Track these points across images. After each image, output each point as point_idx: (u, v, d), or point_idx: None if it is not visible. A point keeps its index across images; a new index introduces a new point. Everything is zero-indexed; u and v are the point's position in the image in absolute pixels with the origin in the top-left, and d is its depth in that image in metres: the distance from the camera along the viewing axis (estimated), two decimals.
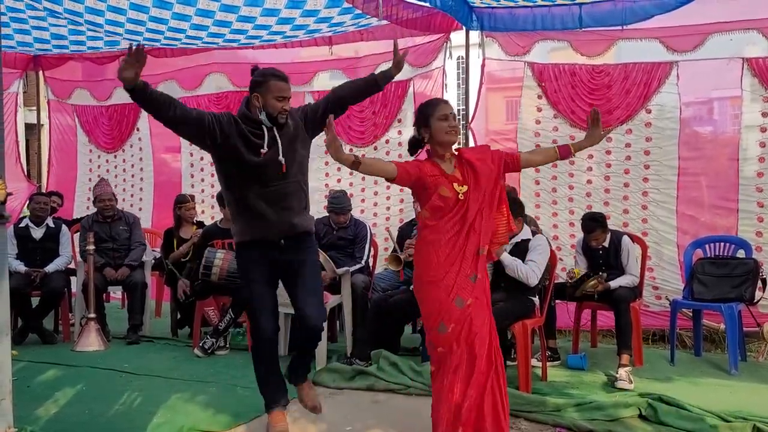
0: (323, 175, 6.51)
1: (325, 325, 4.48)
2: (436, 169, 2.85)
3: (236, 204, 3.12)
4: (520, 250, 4.14)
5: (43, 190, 6.90)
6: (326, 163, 6.48)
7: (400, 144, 6.16)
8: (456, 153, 2.90)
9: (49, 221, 5.53)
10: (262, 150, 3.00)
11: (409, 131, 6.12)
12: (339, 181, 6.33)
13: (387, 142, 6.25)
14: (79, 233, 5.57)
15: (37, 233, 5.44)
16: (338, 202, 5.10)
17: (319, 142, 6.35)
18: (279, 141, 3.03)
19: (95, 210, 5.61)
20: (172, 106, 2.96)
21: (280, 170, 3.02)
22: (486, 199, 2.85)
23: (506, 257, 4.06)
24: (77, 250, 5.65)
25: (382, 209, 6.28)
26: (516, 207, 4.21)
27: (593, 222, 4.61)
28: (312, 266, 3.19)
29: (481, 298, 2.81)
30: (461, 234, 2.81)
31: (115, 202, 5.64)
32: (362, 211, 6.15)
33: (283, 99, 3.01)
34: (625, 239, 4.65)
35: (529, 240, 4.19)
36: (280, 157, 3.01)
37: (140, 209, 7.04)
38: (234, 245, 3.25)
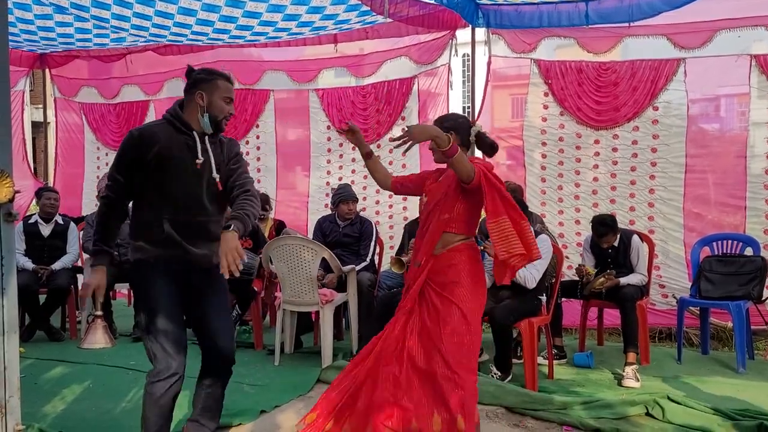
0: (325, 173, 6.52)
1: (331, 322, 4.52)
2: (433, 175, 3.00)
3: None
4: None
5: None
6: (328, 161, 6.49)
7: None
8: None
9: (58, 218, 5.55)
10: (197, 161, 2.64)
11: None
12: (340, 179, 6.32)
13: (390, 140, 6.22)
14: (83, 230, 5.58)
15: (46, 230, 5.46)
16: (345, 190, 5.10)
17: (319, 140, 6.46)
18: (210, 152, 2.68)
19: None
20: (114, 219, 2.73)
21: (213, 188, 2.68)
22: (438, 207, 2.86)
23: None
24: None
25: (385, 207, 6.27)
26: (519, 204, 4.20)
27: (604, 226, 4.57)
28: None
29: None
30: (421, 238, 2.93)
31: None
32: (364, 209, 6.15)
33: (230, 101, 2.71)
34: (635, 238, 4.62)
35: None
36: (214, 174, 2.66)
37: None
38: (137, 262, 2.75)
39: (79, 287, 5.62)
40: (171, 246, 2.63)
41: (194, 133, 2.65)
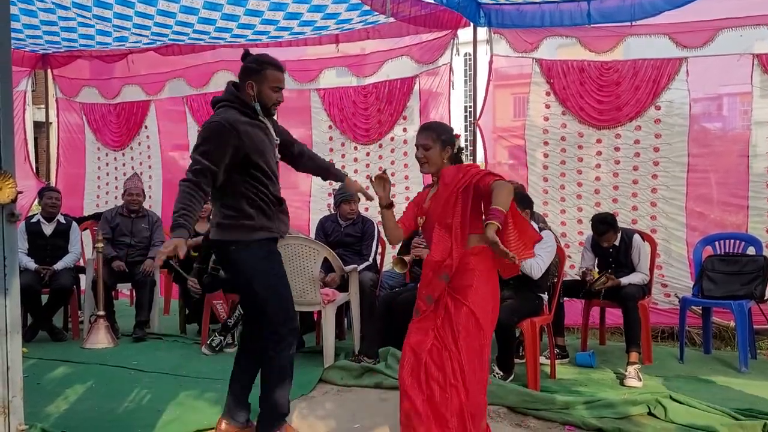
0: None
1: (333, 322, 4.51)
2: (423, 195, 3.04)
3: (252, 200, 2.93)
4: None
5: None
6: (330, 161, 6.47)
7: (405, 142, 6.15)
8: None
9: (60, 217, 5.56)
10: (275, 141, 2.98)
11: (414, 129, 6.11)
12: None
13: (392, 139, 6.22)
14: (98, 226, 5.59)
15: (48, 229, 5.47)
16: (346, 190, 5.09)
17: (321, 140, 6.45)
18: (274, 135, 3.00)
19: (120, 204, 5.66)
20: (200, 202, 2.81)
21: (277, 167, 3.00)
22: (442, 218, 2.85)
23: None
24: (87, 247, 5.67)
25: None
26: (524, 201, 4.21)
27: (604, 225, 4.57)
28: None
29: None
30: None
31: (143, 199, 5.70)
32: (366, 209, 6.14)
33: (278, 90, 2.93)
34: (636, 238, 4.62)
35: None
36: (277, 154, 3.00)
37: (150, 206, 7.05)
38: (243, 243, 2.93)
39: (82, 287, 5.65)
40: (272, 219, 2.93)
41: (261, 117, 2.92)
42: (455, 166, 2.93)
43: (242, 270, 2.93)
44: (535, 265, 4.00)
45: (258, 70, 2.88)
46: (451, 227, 2.80)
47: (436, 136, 2.92)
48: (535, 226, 4.31)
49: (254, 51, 3.05)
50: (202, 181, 2.76)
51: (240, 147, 2.80)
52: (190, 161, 2.82)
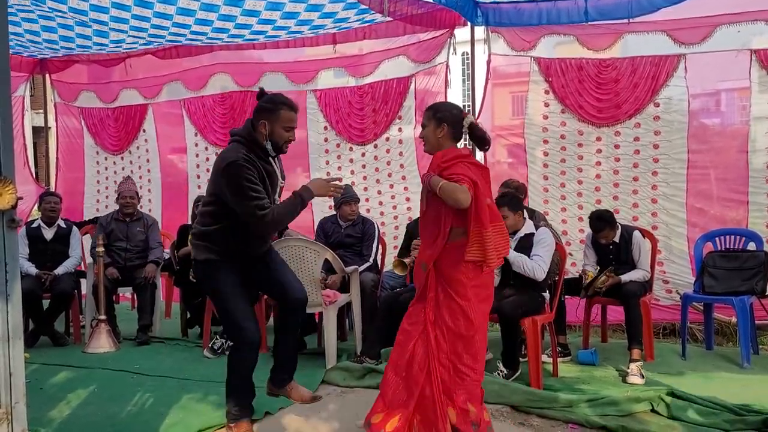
0: (324, 175, 6.50)
1: (335, 323, 4.51)
2: None
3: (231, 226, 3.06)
4: (525, 245, 4.13)
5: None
6: (326, 162, 6.49)
7: (400, 141, 6.14)
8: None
9: (60, 222, 5.56)
10: (280, 184, 3.12)
11: (410, 129, 6.11)
12: (340, 180, 6.28)
13: (387, 140, 6.20)
14: (94, 233, 5.58)
15: (48, 234, 5.46)
16: (346, 191, 5.09)
17: (316, 141, 6.44)
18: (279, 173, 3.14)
19: (116, 208, 5.64)
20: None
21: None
22: (427, 205, 2.88)
23: (511, 253, 4.05)
24: (87, 251, 5.66)
25: (389, 208, 6.26)
26: (515, 202, 4.19)
27: (601, 222, 4.58)
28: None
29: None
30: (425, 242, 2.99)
31: (137, 201, 5.67)
32: (368, 210, 6.15)
33: (290, 129, 3.02)
34: (636, 234, 4.62)
35: (532, 234, 4.17)
36: (277, 196, 3.15)
37: (150, 210, 7.06)
38: (203, 261, 3.09)
39: (83, 292, 5.64)
40: (244, 245, 3.06)
41: (270, 158, 3.05)
42: (443, 151, 2.85)
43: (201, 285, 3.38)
44: (537, 267, 4.00)
45: (272, 110, 2.98)
46: (431, 219, 2.80)
47: (432, 114, 2.88)
48: (531, 223, 4.31)
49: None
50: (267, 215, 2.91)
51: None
52: (246, 211, 2.91)
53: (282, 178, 3.13)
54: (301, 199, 2.98)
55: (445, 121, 2.83)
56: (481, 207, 2.70)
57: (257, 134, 2.98)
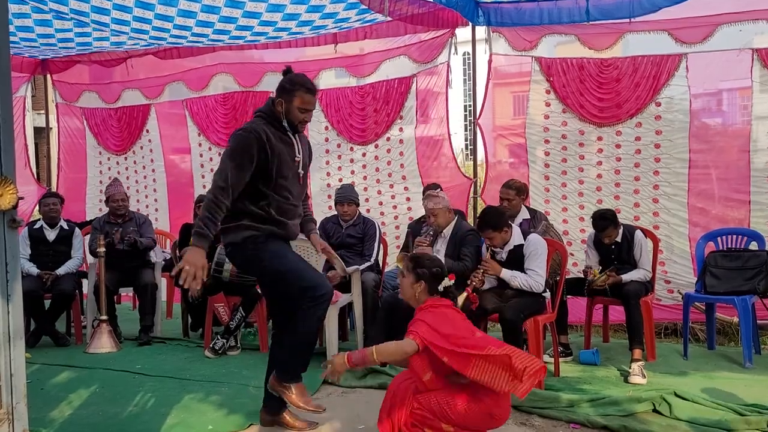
0: (325, 175, 6.51)
1: (336, 323, 4.51)
2: None
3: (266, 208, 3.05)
4: (516, 257, 4.11)
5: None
6: (327, 162, 6.49)
7: (401, 142, 6.14)
8: None
9: (63, 223, 5.56)
10: (296, 158, 3.10)
11: (411, 129, 6.11)
12: (341, 180, 6.31)
13: (388, 140, 6.21)
14: (89, 235, 5.58)
15: (51, 235, 5.47)
16: (344, 191, 5.10)
17: (317, 140, 6.45)
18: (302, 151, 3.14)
19: (107, 211, 5.62)
20: (224, 201, 2.90)
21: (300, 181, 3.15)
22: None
23: (505, 273, 4.05)
24: (88, 252, 5.66)
25: (389, 208, 6.26)
26: (495, 220, 4.11)
27: (604, 221, 4.56)
28: None
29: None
30: None
31: (127, 203, 5.65)
32: (368, 210, 6.15)
33: (306, 111, 3.06)
34: (638, 234, 4.62)
35: (522, 246, 4.14)
36: (300, 170, 3.12)
37: (156, 210, 7.07)
38: (248, 238, 3.04)
39: (84, 292, 5.64)
40: (277, 224, 3.05)
41: (289, 133, 3.07)
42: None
43: (246, 267, 3.26)
44: (534, 282, 4.01)
45: (289, 91, 3.02)
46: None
47: (412, 267, 2.79)
48: (519, 233, 4.23)
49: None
50: (221, 197, 2.88)
51: (262, 150, 2.94)
52: (216, 174, 2.92)
53: (300, 155, 3.10)
54: (197, 237, 2.89)
55: (423, 279, 2.77)
56: (444, 354, 2.53)
57: (276, 111, 3.05)
